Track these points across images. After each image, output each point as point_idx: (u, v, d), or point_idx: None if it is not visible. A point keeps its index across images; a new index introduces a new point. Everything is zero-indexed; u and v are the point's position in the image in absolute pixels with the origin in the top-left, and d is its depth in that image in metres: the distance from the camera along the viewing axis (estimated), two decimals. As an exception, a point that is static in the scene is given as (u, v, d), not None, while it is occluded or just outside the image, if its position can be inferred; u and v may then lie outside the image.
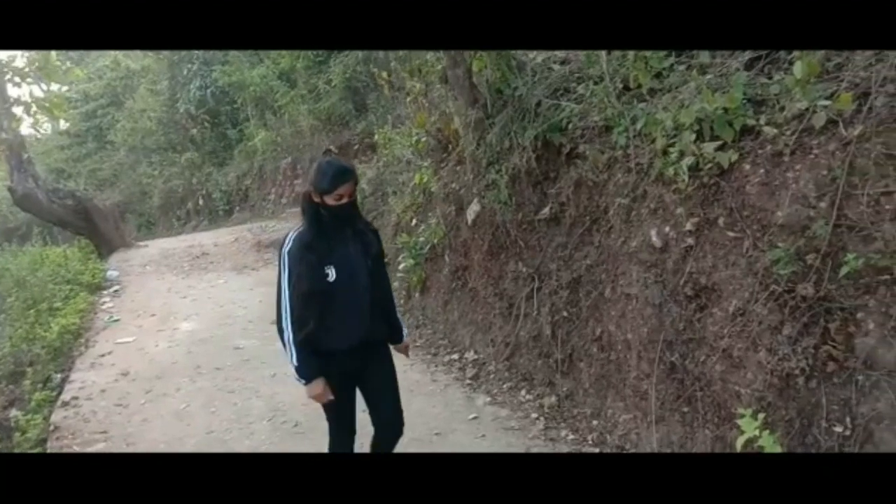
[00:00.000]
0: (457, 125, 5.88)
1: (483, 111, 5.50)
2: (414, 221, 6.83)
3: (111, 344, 6.74)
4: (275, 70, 15.52)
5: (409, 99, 7.71)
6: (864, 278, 2.70)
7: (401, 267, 6.64)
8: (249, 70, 15.62)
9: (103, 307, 8.23)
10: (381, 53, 10.85)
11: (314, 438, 4.30)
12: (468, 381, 4.96)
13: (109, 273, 9.96)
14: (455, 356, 5.45)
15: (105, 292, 8.97)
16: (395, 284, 7.13)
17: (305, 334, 2.74)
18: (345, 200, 2.72)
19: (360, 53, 11.83)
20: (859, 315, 2.71)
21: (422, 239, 6.36)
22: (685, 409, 3.35)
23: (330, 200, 2.70)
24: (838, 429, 2.69)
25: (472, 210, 5.61)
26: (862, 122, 2.83)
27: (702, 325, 3.30)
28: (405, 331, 3.23)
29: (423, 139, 7.08)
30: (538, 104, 4.90)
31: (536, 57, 5.56)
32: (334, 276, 2.74)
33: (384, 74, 8.37)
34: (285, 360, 5.60)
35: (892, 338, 2.60)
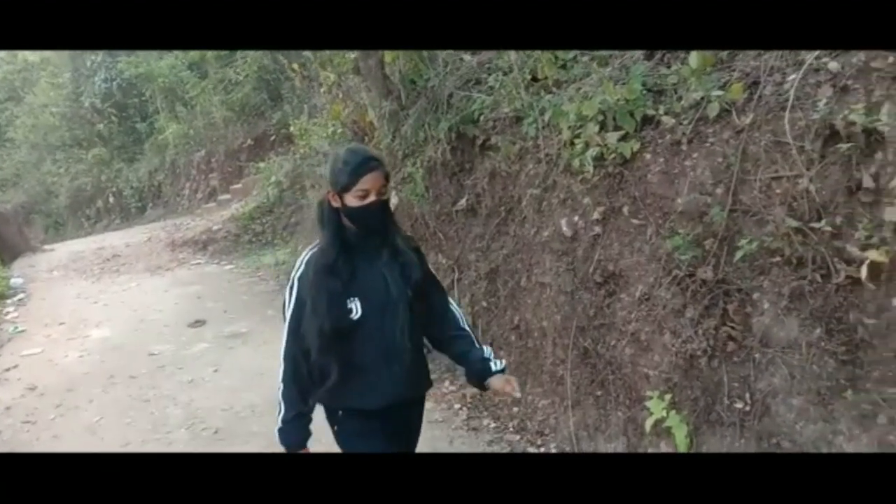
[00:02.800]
0: (371, 117, 5.83)
1: (397, 103, 5.48)
2: (332, 215, 6.74)
3: (16, 357, 6.38)
4: (184, 60, 14.97)
5: (322, 90, 7.58)
6: (758, 260, 2.83)
7: (321, 262, 6.54)
8: (157, 61, 15.01)
9: (7, 317, 7.78)
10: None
11: (235, 445, 4.21)
12: (392, 375, 4.95)
13: (13, 280, 9.41)
14: (378, 350, 5.42)
15: (9, 301, 8.46)
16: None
17: (307, 391, 2.14)
18: (372, 199, 2.02)
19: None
20: (755, 295, 2.85)
21: (341, 233, 6.29)
22: (599, 393, 3.46)
23: (352, 200, 2.02)
24: (739, 405, 2.83)
25: (391, 203, 5.57)
26: (753, 111, 2.96)
27: (611, 311, 3.40)
28: (495, 361, 2.25)
29: (340, 130, 6.98)
30: (450, 96, 4.92)
31: (448, 47, 5.57)
32: (359, 311, 2.07)
33: (294, 66, 8.19)
34: (202, 364, 5.41)
35: (785, 316, 2.74)
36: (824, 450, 2.56)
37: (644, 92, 3.32)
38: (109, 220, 17.44)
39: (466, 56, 5.22)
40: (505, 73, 4.47)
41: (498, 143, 4.45)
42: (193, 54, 14.60)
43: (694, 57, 3.09)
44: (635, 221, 3.31)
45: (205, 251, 10.19)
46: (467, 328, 2.36)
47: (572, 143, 3.59)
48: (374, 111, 5.63)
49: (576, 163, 3.53)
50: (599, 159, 3.43)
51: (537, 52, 4.14)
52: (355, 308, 2.07)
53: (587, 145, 3.45)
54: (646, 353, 3.19)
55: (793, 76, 2.82)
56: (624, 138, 3.33)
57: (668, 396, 2.94)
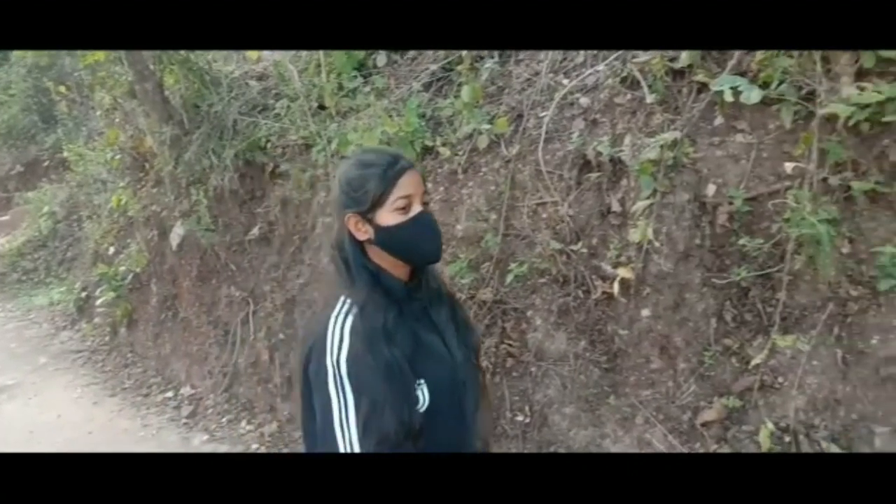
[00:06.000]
0: (150, 143, 5.46)
1: (179, 128, 5.18)
2: (112, 249, 6.21)
3: None
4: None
5: (98, 113, 6.98)
6: (529, 280, 3.04)
7: (100, 302, 5.99)
8: None
9: None
10: (66, 62, 9.67)
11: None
12: (184, 420, 4.64)
13: None
14: (169, 394, 5.07)
15: None
16: (96, 321, 6.46)
17: None
18: (418, 210, 1.40)
19: (29, 61, 10.40)
20: (528, 313, 3.04)
21: (122, 268, 5.81)
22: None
23: (390, 217, 1.38)
24: (520, 417, 3.00)
25: (177, 234, 5.26)
26: (518, 142, 3.18)
27: (403, 337, 3.45)
28: None
29: (119, 156, 6.46)
30: (235, 122, 4.76)
31: (234, 71, 5.39)
32: (426, 399, 1.38)
33: (62, 88, 7.45)
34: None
35: (555, 331, 2.96)
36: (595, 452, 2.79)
37: (422, 123, 3.44)
38: None
39: (252, 81, 5.09)
40: (292, 100, 4.40)
41: (288, 170, 4.37)
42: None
43: (465, 91, 3.26)
44: (421, 248, 3.40)
45: (-37, 294, 8.90)
46: None
47: (358, 172, 3.61)
48: (154, 137, 5.27)
49: (362, 191, 3.56)
50: (384, 188, 3.48)
51: (322, 82, 4.13)
52: (422, 395, 1.38)
53: (372, 174, 3.49)
54: (436, 376, 3.28)
55: (549, 111, 3.07)
56: (407, 167, 3.42)
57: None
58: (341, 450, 1.31)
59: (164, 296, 5.52)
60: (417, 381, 1.37)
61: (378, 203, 1.37)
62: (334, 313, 1.38)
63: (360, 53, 4.13)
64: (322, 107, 4.25)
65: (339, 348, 1.33)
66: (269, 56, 5.17)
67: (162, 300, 5.54)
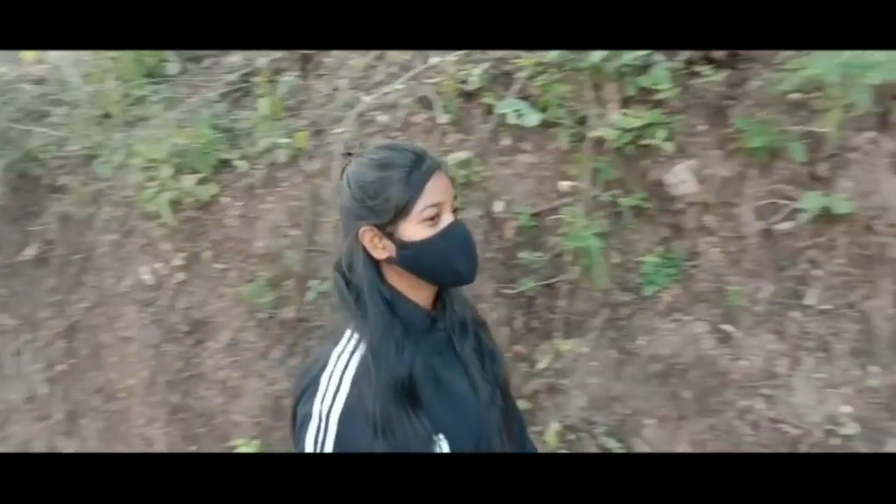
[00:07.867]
0: None
1: (-64, 135, 4.53)
2: None
3: None
4: None
5: None
6: (332, 297, 3.01)
7: None
8: None
9: None
10: None
11: None
12: (-59, 469, 4.03)
13: None
14: (-78, 440, 4.38)
15: None
16: None
17: None
18: (448, 220, 1.16)
19: None
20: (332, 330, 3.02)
21: None
22: (193, 448, 3.30)
23: (417, 230, 1.14)
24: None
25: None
26: (321, 157, 3.15)
27: (199, 361, 3.28)
28: None
29: None
30: (7, 130, 4.26)
31: (6, 74, 4.83)
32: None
33: None
34: None
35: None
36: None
37: (218, 135, 3.30)
38: None
39: (27, 86, 4.58)
40: (73, 108, 4.03)
41: (68, 183, 3.99)
42: None
43: (263, 103, 3.18)
44: (218, 266, 3.25)
45: None
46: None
47: (147, 186, 3.38)
48: None
49: (152, 206, 3.34)
50: (177, 203, 3.30)
51: (108, 89, 3.83)
52: (439, 451, 1.16)
53: (162, 188, 3.29)
54: (236, 400, 3.15)
55: (348, 127, 3.08)
56: (202, 182, 3.26)
57: (256, 441, 2.93)
58: None
59: (-84, 328, 4.78)
60: (434, 437, 1.14)
61: (401, 214, 1.13)
62: (337, 350, 1.16)
63: (151, 59, 3.88)
64: (107, 115, 3.94)
65: (334, 398, 1.11)
66: (51, 57, 4.71)
67: (-87, 332, 4.79)
